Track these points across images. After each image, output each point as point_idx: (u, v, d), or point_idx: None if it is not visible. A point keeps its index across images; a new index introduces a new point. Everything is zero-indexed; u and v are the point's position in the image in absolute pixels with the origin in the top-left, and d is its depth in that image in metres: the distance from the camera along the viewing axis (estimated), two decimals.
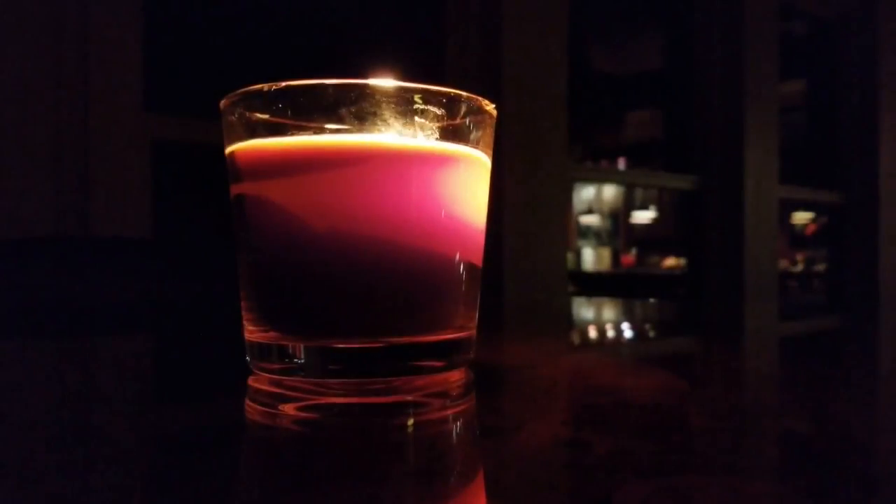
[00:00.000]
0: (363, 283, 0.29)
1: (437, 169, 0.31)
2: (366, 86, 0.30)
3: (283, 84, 0.30)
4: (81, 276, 0.90)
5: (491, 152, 0.35)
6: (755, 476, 0.20)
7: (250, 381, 0.31)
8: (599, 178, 3.84)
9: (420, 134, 0.30)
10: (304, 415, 0.27)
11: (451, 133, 0.31)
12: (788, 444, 0.23)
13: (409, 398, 0.29)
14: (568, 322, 0.76)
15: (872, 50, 2.96)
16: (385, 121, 0.30)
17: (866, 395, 0.33)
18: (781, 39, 2.60)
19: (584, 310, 0.93)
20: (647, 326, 0.70)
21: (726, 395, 0.32)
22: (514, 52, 1.81)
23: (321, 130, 0.30)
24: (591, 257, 5.85)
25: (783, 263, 3.45)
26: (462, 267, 0.32)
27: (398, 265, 0.30)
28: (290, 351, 0.30)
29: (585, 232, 6.18)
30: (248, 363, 0.32)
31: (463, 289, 0.32)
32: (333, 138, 0.30)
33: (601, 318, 0.78)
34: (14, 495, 0.17)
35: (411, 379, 0.30)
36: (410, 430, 0.25)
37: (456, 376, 0.32)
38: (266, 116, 0.31)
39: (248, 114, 0.31)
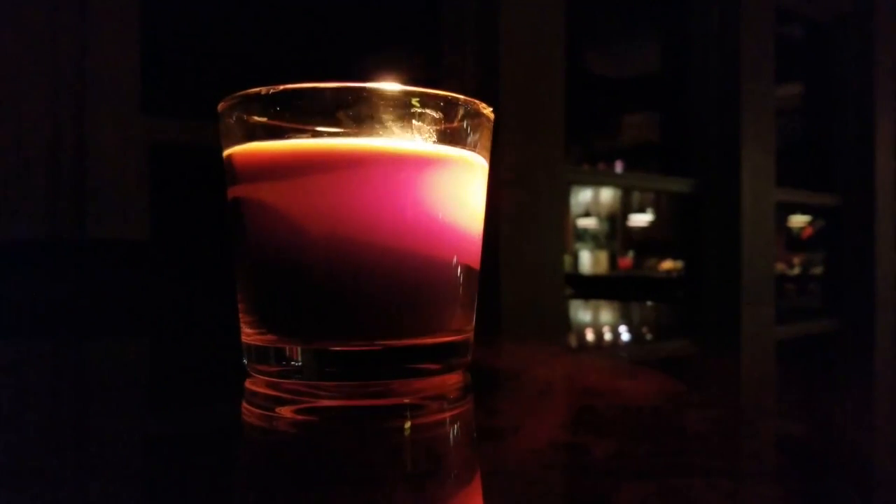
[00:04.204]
0: (360, 286, 0.29)
1: (435, 172, 0.31)
2: (363, 89, 0.30)
3: (281, 87, 0.30)
4: (78, 278, 0.90)
5: (488, 155, 0.35)
6: (752, 478, 0.20)
7: (247, 383, 0.31)
8: (597, 181, 3.85)
9: (417, 137, 0.30)
10: (301, 417, 0.27)
11: (448, 136, 0.31)
12: (785, 447, 0.23)
13: (407, 401, 0.29)
14: (565, 325, 0.76)
15: (868, 53, 2.97)
16: (382, 124, 0.30)
17: (863, 397, 0.33)
18: (777, 43, 2.61)
19: (582, 313, 0.93)
20: (645, 329, 0.70)
21: (723, 398, 0.32)
22: (511, 54, 1.81)
23: (318, 134, 0.30)
24: (588, 260, 5.86)
25: (780, 266, 3.45)
26: (459, 270, 0.32)
27: (395, 268, 0.30)
28: (288, 353, 0.30)
29: (583, 235, 6.19)
30: (245, 366, 0.32)
31: (460, 292, 0.32)
32: (331, 142, 0.30)
33: (598, 321, 0.78)
34: (10, 497, 0.17)
35: (408, 382, 0.30)
36: (408, 432, 0.25)
37: (453, 379, 0.32)
38: (264, 120, 0.31)
39: (245, 117, 0.31)
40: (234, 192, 0.32)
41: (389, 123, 0.30)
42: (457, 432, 0.25)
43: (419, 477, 0.19)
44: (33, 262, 0.91)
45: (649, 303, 1.46)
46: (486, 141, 0.34)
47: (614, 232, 6.17)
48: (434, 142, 0.31)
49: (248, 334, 0.32)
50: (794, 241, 4.20)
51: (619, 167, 4.07)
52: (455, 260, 0.32)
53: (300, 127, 0.30)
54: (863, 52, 2.99)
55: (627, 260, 5.79)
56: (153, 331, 0.66)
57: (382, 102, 0.30)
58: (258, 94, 0.30)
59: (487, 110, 0.34)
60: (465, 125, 0.32)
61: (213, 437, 0.25)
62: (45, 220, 1.24)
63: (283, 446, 0.23)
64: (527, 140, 1.84)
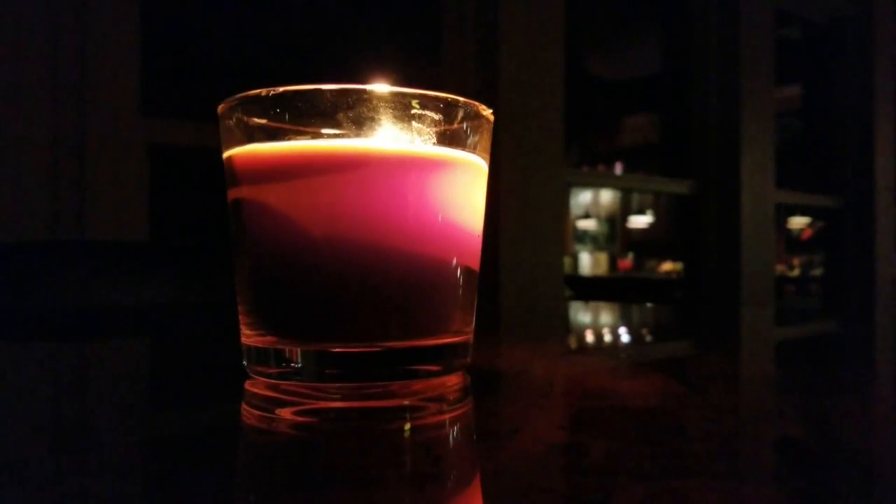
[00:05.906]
0: (360, 288, 0.29)
1: (435, 174, 0.31)
2: (363, 91, 0.30)
3: (281, 89, 0.30)
4: (78, 279, 0.90)
5: (488, 157, 0.35)
6: (752, 480, 0.20)
7: (247, 385, 0.31)
8: (596, 183, 3.85)
9: (417, 139, 0.30)
10: (300, 419, 0.27)
11: (448, 138, 0.31)
12: (785, 448, 0.24)
13: (406, 402, 0.29)
14: (565, 326, 0.77)
15: (868, 54, 2.97)
16: (382, 126, 0.30)
17: (863, 399, 0.33)
18: (777, 44, 2.61)
19: (581, 314, 0.93)
20: (644, 331, 0.70)
21: (723, 399, 0.32)
22: (511, 56, 1.81)
23: (318, 135, 0.30)
24: (587, 262, 5.87)
25: (780, 268, 3.45)
26: (459, 271, 0.32)
27: (395, 269, 0.30)
28: (287, 355, 0.30)
29: (582, 236, 6.19)
30: (244, 367, 0.32)
31: (460, 293, 0.32)
32: (331, 143, 0.30)
33: (598, 323, 0.78)
34: (10, 497, 0.17)
35: (408, 383, 0.30)
36: (407, 434, 0.25)
37: (453, 380, 0.32)
38: (263, 121, 0.31)
39: (245, 119, 0.31)
40: (233, 193, 0.32)
41: (389, 125, 0.30)
42: (456, 434, 0.25)
43: (419, 478, 0.19)
44: (33, 263, 0.91)
45: (649, 304, 1.46)
46: (486, 143, 0.34)
47: (614, 233, 6.17)
48: (434, 144, 0.31)
49: (248, 335, 0.32)
50: (793, 243, 4.21)
51: (618, 168, 4.07)
52: (455, 261, 0.32)
53: (300, 129, 0.30)
54: (862, 53, 2.99)
55: (627, 261, 5.79)
56: (153, 332, 0.66)
57: (382, 104, 0.30)
58: (258, 95, 0.30)
59: (487, 112, 0.34)
60: (464, 127, 0.32)
61: (212, 438, 0.25)
62: (45, 221, 1.24)
63: (282, 448, 0.23)
64: (526, 141, 1.85)
